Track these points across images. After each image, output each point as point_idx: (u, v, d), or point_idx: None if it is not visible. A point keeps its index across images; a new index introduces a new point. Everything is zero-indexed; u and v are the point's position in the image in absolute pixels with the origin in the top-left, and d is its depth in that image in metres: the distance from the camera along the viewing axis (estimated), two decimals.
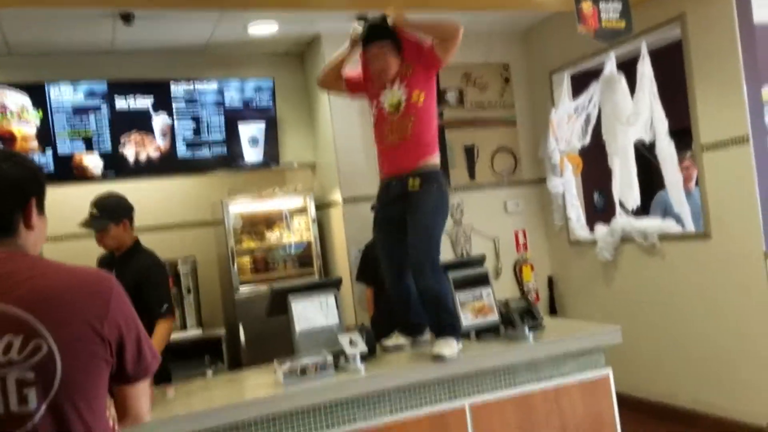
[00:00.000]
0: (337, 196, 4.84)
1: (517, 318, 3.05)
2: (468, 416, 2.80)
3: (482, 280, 3.22)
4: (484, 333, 3.15)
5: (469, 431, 2.80)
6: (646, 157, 4.52)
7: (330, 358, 2.66)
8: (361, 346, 2.74)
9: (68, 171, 4.52)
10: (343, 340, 2.75)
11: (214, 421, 2.44)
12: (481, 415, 2.83)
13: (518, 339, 3.02)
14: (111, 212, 3.07)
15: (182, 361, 4.27)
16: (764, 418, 3.60)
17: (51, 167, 4.47)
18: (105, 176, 4.61)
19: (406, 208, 2.78)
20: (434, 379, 2.77)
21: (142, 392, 1.35)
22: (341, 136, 4.79)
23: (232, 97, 4.92)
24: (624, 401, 3.38)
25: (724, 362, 3.90)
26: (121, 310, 1.26)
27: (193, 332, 4.65)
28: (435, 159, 2.86)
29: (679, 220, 4.30)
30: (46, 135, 4.48)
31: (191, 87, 4.82)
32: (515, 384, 2.92)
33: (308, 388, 2.56)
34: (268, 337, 3.65)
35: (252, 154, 4.99)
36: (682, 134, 4.22)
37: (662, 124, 4.22)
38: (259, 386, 2.71)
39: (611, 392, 3.08)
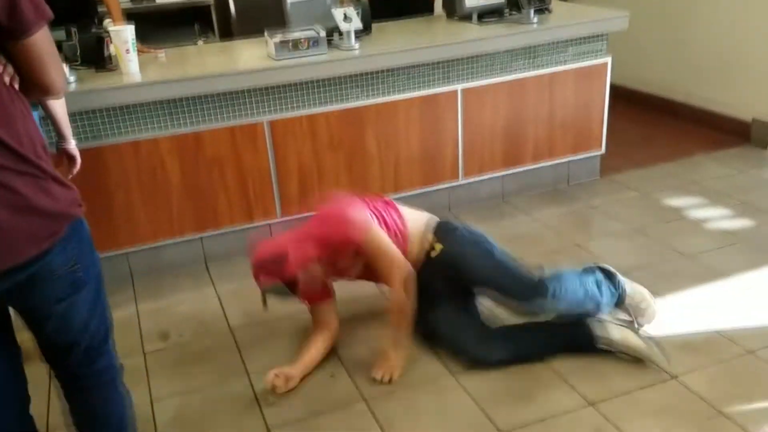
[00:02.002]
0: None
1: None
2: (459, 97, 2.83)
3: None
4: (487, 15, 2.99)
5: (458, 112, 2.85)
6: None
7: (323, 33, 2.56)
8: (356, 23, 2.61)
9: None
10: (338, 14, 2.61)
11: (207, 88, 2.44)
12: (472, 96, 2.85)
13: (522, 22, 2.89)
14: None
15: (171, 28, 4.13)
16: (751, 114, 3.67)
17: None
18: None
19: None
20: (429, 61, 2.72)
21: (38, 52, 1.21)
22: None
23: None
24: (619, 92, 3.38)
25: (724, 60, 3.81)
26: None
27: None
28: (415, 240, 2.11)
29: None
30: None
31: None
32: (511, 70, 2.88)
33: (300, 62, 2.51)
34: (260, 8, 3.46)
35: None
36: None
37: None
38: (251, 58, 2.66)
39: (606, 81, 3.07)
